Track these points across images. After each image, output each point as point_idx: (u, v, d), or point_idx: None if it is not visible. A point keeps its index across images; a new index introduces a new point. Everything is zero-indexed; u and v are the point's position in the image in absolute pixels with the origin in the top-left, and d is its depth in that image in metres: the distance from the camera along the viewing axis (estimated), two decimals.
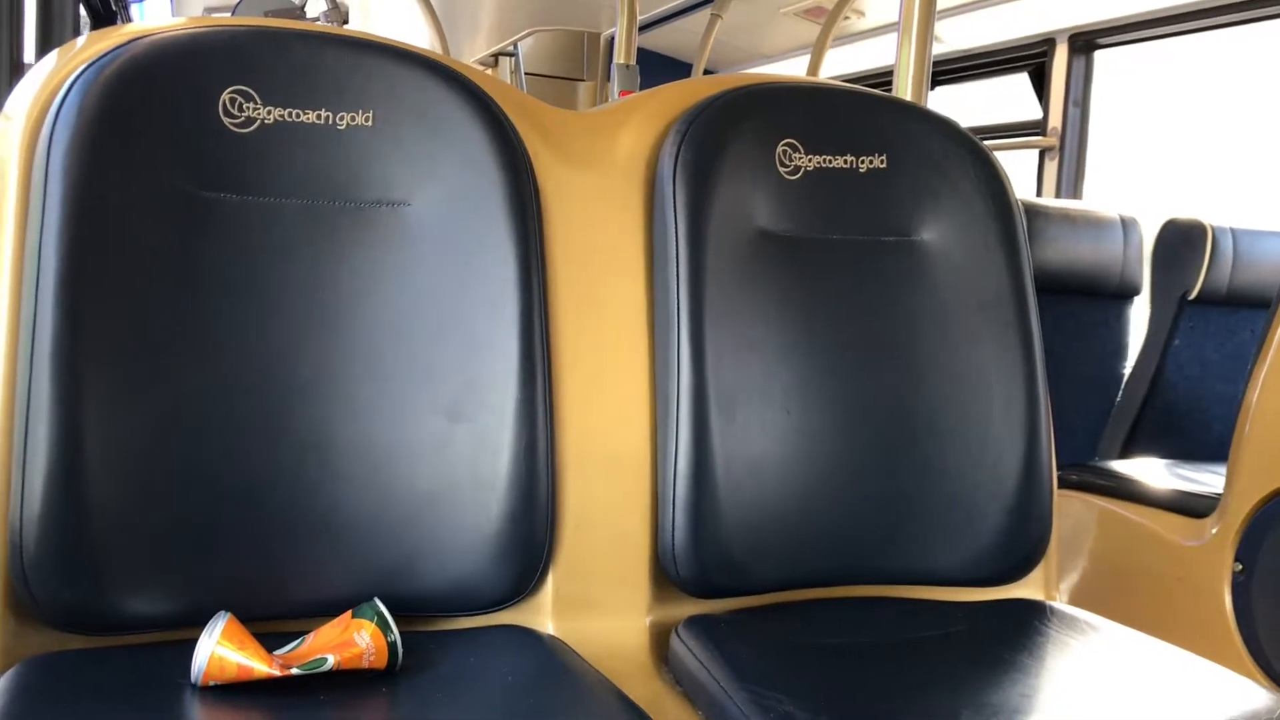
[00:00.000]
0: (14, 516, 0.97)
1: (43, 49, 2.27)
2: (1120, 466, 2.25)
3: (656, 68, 3.76)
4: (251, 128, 1.08)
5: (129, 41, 1.07)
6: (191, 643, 0.93)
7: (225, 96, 1.07)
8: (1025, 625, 1.21)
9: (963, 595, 1.29)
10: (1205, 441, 2.50)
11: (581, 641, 1.13)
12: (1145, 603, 2.00)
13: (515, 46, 4.87)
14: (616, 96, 2.84)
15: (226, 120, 1.07)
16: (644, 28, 3.45)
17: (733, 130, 1.26)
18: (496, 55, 4.95)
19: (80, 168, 1.00)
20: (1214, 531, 1.86)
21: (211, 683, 0.93)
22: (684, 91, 1.34)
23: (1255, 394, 1.79)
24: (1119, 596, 2.07)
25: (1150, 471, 2.20)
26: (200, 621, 0.95)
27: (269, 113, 1.09)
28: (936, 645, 1.16)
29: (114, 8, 3.52)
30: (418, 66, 1.14)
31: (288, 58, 1.10)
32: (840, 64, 3.98)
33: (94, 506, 0.98)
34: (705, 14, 3.79)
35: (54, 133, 1.01)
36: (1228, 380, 2.49)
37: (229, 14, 3.84)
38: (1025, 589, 1.33)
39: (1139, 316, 2.73)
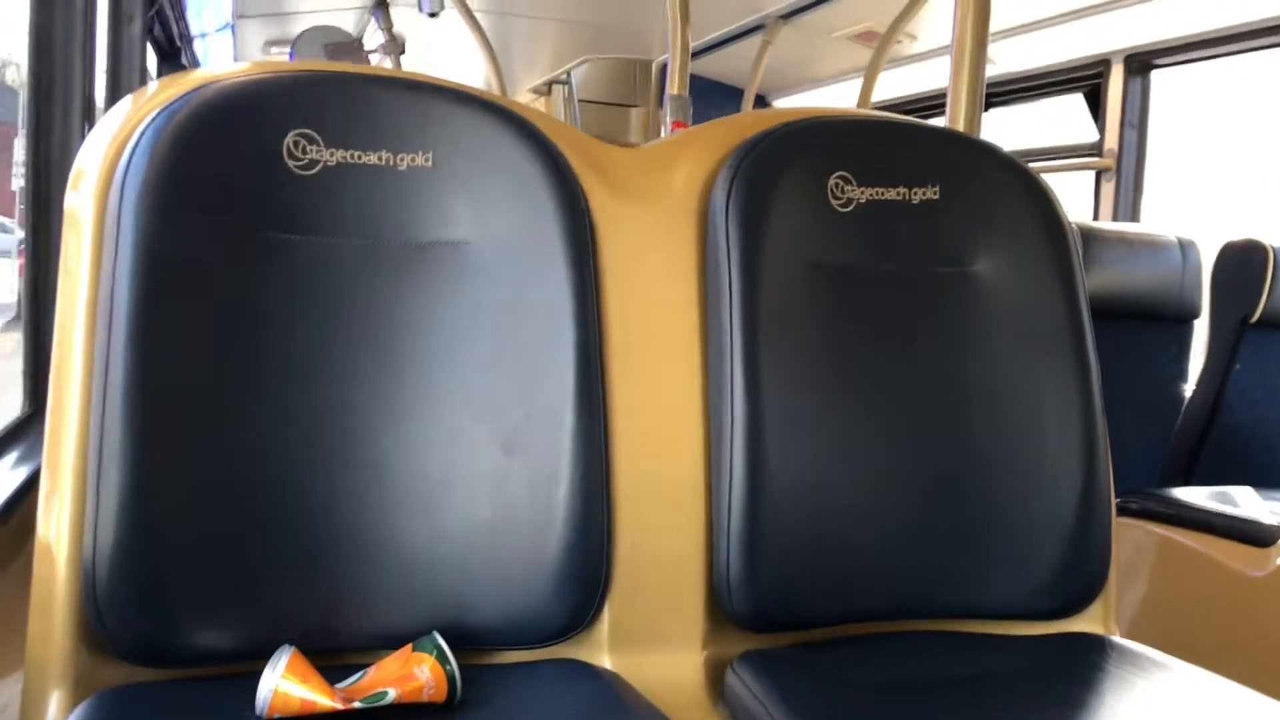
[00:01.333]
0: (87, 552, 1.00)
1: (113, 86, 2.33)
2: (1182, 494, 2.21)
3: (707, 93, 3.78)
4: (315, 169, 1.11)
5: (197, 88, 1.10)
6: (258, 675, 0.95)
7: (289, 139, 1.10)
8: (1085, 661, 1.19)
9: (1020, 629, 1.28)
10: (1270, 467, 2.46)
11: (638, 676, 1.13)
12: (1208, 635, 1.96)
13: (569, 74, 4.92)
14: (669, 125, 2.86)
15: (290, 163, 1.10)
16: (695, 54, 3.47)
17: (784, 164, 1.27)
18: (550, 83, 5.00)
19: (151, 213, 1.03)
20: (1279, 562, 1.83)
21: (276, 716, 0.94)
22: (735, 126, 1.35)
23: None
24: (1180, 628, 2.04)
25: (1213, 499, 2.16)
26: (266, 654, 0.97)
27: (331, 154, 1.12)
28: (995, 681, 1.15)
29: (178, 44, 3.61)
30: (476, 107, 1.17)
31: (349, 101, 1.13)
32: (893, 87, 3.97)
33: (164, 542, 1.01)
34: (757, 40, 3.81)
35: (126, 178, 1.04)
36: None
37: (288, 48, 3.92)
38: (1084, 622, 1.31)
39: (1199, 340, 2.69)
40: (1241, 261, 2.45)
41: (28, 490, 1.31)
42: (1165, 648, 1.23)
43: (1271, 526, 1.90)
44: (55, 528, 1.03)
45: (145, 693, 1.00)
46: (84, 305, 1.06)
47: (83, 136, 1.68)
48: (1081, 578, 1.28)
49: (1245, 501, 2.13)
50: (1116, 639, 1.26)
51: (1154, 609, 2.11)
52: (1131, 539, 2.14)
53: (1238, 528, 1.98)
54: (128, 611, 1.00)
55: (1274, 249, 2.42)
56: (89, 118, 1.80)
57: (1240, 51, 2.91)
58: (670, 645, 1.21)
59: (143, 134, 1.06)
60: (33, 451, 1.41)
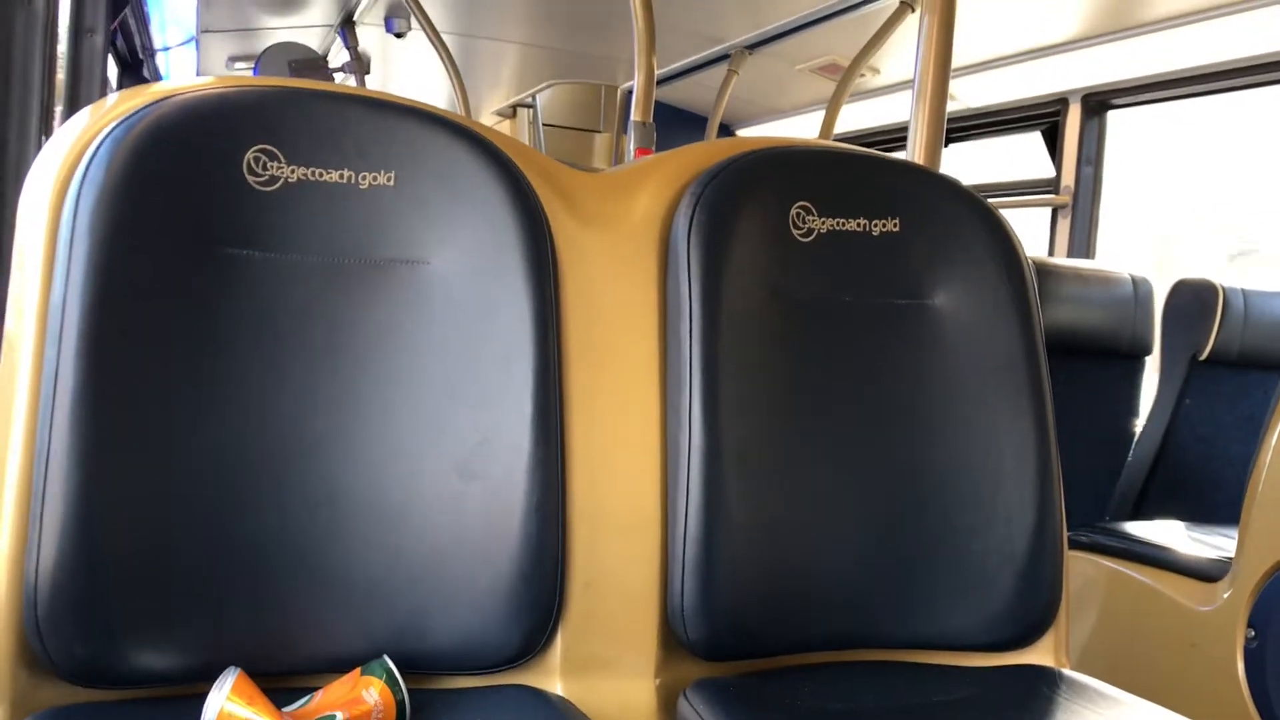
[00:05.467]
0: (29, 570, 0.98)
1: (72, 97, 2.31)
2: (1131, 528, 2.24)
3: (672, 121, 3.80)
4: (275, 186, 1.10)
5: (158, 100, 1.09)
6: (201, 698, 0.94)
7: (250, 155, 1.09)
8: (1035, 693, 1.20)
9: (973, 660, 1.29)
10: (1217, 503, 2.49)
11: (590, 703, 1.13)
12: (1156, 668, 1.98)
13: (534, 98, 4.92)
14: (633, 152, 2.87)
15: (251, 178, 1.09)
16: (660, 82, 3.50)
17: (746, 193, 1.27)
18: (515, 106, 5.01)
19: (106, 224, 1.02)
20: (1226, 596, 1.85)
21: None
22: (699, 154, 1.35)
23: (1267, 457, 1.79)
24: (1129, 660, 2.06)
25: (1161, 533, 2.19)
26: (211, 677, 0.96)
27: (293, 171, 1.11)
28: (946, 711, 1.15)
29: (140, 57, 3.59)
30: (439, 128, 1.16)
31: (312, 118, 1.13)
32: (855, 119, 4.02)
33: (108, 561, 0.99)
34: (722, 69, 3.84)
35: (82, 189, 1.03)
36: (1240, 441, 2.49)
37: (252, 63, 3.90)
38: (1036, 655, 1.32)
39: (1150, 376, 2.73)
40: (1193, 299, 2.49)
41: None
42: (1114, 680, 1.24)
43: (1218, 561, 1.93)
44: None
45: (86, 715, 0.98)
46: (33, 318, 1.04)
47: (39, 147, 1.66)
48: (1033, 610, 1.29)
49: (1193, 536, 2.16)
50: (1067, 671, 1.27)
51: (1103, 642, 2.13)
52: (1081, 572, 2.17)
53: (1185, 562, 2.00)
54: (69, 632, 0.98)
55: (1224, 288, 2.46)
56: (46, 129, 1.77)
57: (1194, 94, 2.97)
58: (623, 672, 1.20)
59: (100, 145, 1.04)
60: None
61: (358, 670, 1.02)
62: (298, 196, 1.11)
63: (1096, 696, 1.19)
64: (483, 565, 1.10)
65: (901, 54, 3.36)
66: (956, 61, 2.03)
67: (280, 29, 4.16)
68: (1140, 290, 2.70)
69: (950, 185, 1.38)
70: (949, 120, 2.06)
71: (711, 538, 1.18)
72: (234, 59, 4.53)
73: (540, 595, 1.12)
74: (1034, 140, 3.45)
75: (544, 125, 4.92)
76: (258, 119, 1.10)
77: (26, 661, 1.01)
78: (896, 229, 1.32)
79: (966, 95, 3.48)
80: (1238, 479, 1.98)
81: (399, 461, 1.10)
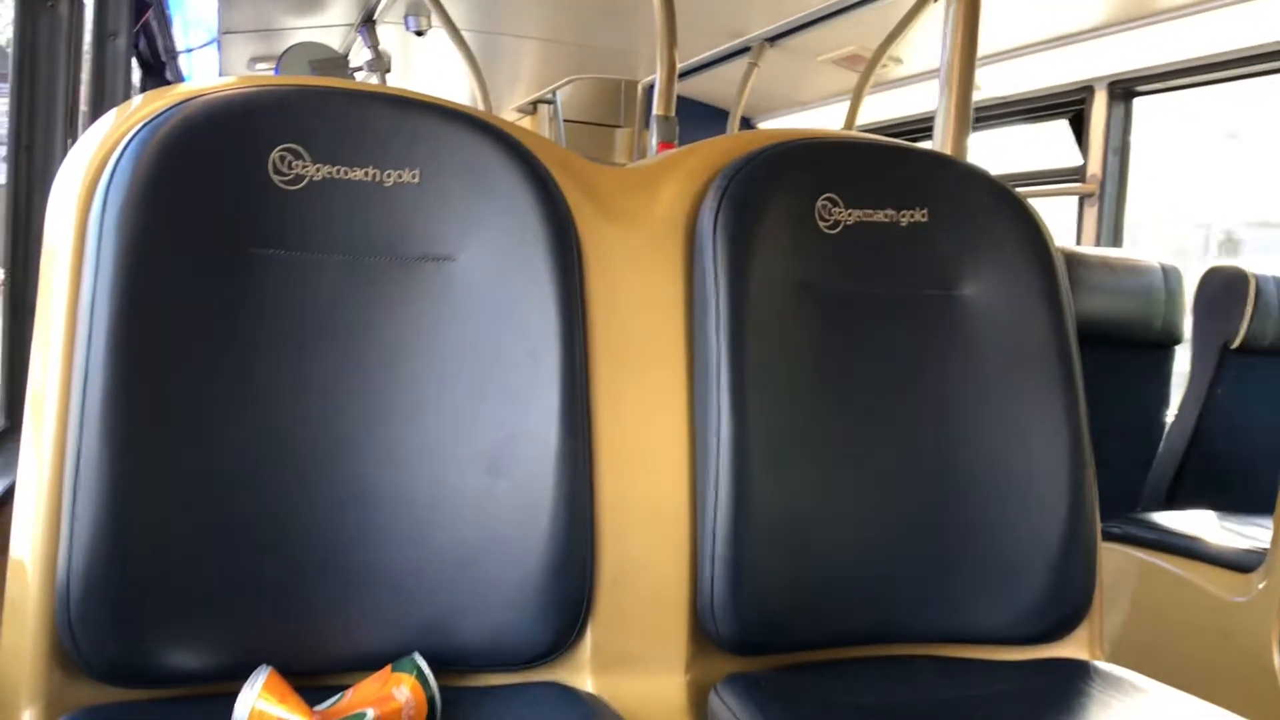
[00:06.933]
0: (61, 570, 0.98)
1: (97, 100, 2.32)
2: (1164, 519, 2.22)
3: (693, 115, 3.78)
4: (300, 185, 1.10)
5: (183, 102, 1.09)
6: (233, 696, 0.94)
7: (275, 155, 1.09)
8: (1069, 686, 1.19)
9: (1005, 654, 1.28)
10: (1250, 492, 2.46)
11: (620, 699, 1.12)
12: (1190, 659, 1.96)
13: (554, 94, 4.92)
14: (654, 146, 2.86)
15: (276, 178, 1.09)
16: (681, 75, 3.49)
17: (772, 186, 1.26)
18: (535, 102, 5.01)
19: (134, 225, 1.02)
20: (1261, 587, 1.83)
21: None
22: (724, 147, 1.35)
23: None
24: (1162, 652, 2.04)
25: (1194, 524, 2.16)
26: (242, 675, 0.96)
27: (317, 170, 1.11)
28: (980, 706, 1.14)
29: (163, 59, 3.61)
30: (463, 124, 1.16)
31: (336, 116, 1.12)
32: (878, 110, 3.99)
33: (140, 561, 1.00)
34: (743, 62, 3.82)
35: (110, 190, 1.03)
36: (1273, 430, 2.46)
37: (273, 63, 3.92)
38: (1069, 648, 1.31)
39: (1180, 365, 2.70)
40: (1223, 287, 2.46)
41: (1, 507, 1.29)
42: (1148, 672, 1.22)
43: (1252, 552, 1.91)
44: (29, 545, 1.02)
45: (119, 714, 0.98)
46: (63, 319, 1.04)
47: (65, 150, 1.67)
48: (1067, 603, 1.27)
49: (1226, 527, 2.13)
50: (1101, 664, 1.26)
51: (1137, 633, 2.11)
52: (1114, 564, 2.15)
53: (1219, 553, 1.98)
54: (101, 631, 0.99)
55: (1255, 275, 2.44)
56: (72, 132, 1.79)
57: (1220, 80, 2.93)
58: (653, 668, 1.19)
59: (126, 148, 1.05)
60: (7, 468, 1.39)
61: (388, 667, 1.02)
62: (323, 195, 1.11)
63: (1131, 689, 1.17)
64: (512, 561, 1.10)
65: (924, 43, 3.34)
66: (981, 50, 2.01)
67: (301, 29, 4.17)
68: (1170, 279, 2.67)
69: (979, 175, 1.37)
70: (974, 109, 2.05)
71: (741, 532, 1.17)
72: (255, 60, 4.55)
73: (569, 591, 1.12)
74: (1056, 129, 3.42)
75: (565, 121, 4.91)
76: (282, 118, 1.10)
77: (59, 661, 1.02)
78: (925, 220, 1.31)
79: (991, 84, 3.45)
80: (1271, 468, 1.95)
81: (427, 458, 1.10)
